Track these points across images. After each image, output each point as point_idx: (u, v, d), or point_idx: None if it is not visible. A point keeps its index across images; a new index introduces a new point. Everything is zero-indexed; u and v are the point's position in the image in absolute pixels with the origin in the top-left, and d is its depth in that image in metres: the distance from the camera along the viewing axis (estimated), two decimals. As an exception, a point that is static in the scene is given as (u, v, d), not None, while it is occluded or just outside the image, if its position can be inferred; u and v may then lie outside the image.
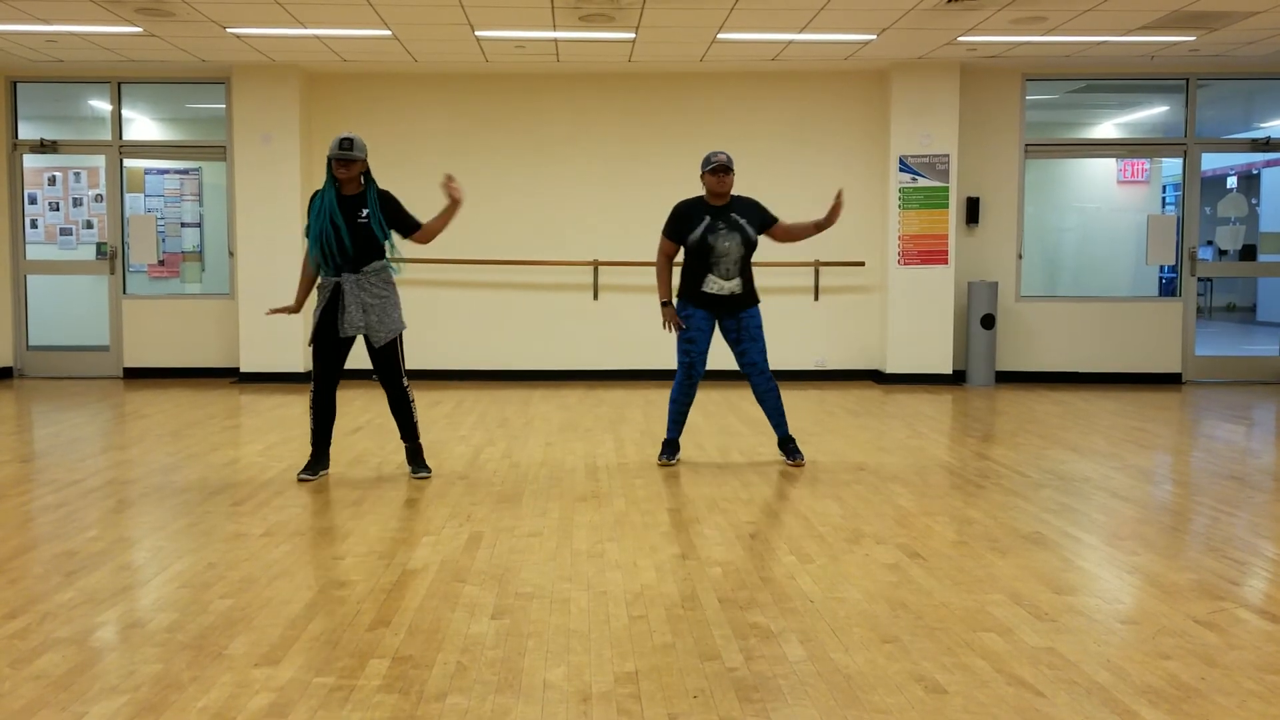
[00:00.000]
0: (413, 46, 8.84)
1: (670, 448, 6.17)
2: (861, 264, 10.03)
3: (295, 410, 8.22)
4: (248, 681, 3.02)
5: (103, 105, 10.31)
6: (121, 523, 4.81)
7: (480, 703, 2.88)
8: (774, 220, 6.00)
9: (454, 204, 5.55)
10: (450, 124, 10.09)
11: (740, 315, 5.93)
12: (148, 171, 10.44)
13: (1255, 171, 15.77)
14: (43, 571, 4.06)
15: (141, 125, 10.61)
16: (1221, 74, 9.92)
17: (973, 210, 10.02)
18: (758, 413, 7.98)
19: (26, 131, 10.32)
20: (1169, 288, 10.59)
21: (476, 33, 8.28)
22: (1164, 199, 11.35)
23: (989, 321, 9.88)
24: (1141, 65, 9.72)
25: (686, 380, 6.04)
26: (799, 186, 9.98)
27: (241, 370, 9.94)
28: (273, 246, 9.83)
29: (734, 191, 5.98)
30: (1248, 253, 11.25)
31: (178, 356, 10.26)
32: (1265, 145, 10.21)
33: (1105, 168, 10.67)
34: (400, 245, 5.80)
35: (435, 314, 10.10)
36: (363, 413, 8.09)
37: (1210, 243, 12.61)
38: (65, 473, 5.89)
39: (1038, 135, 10.18)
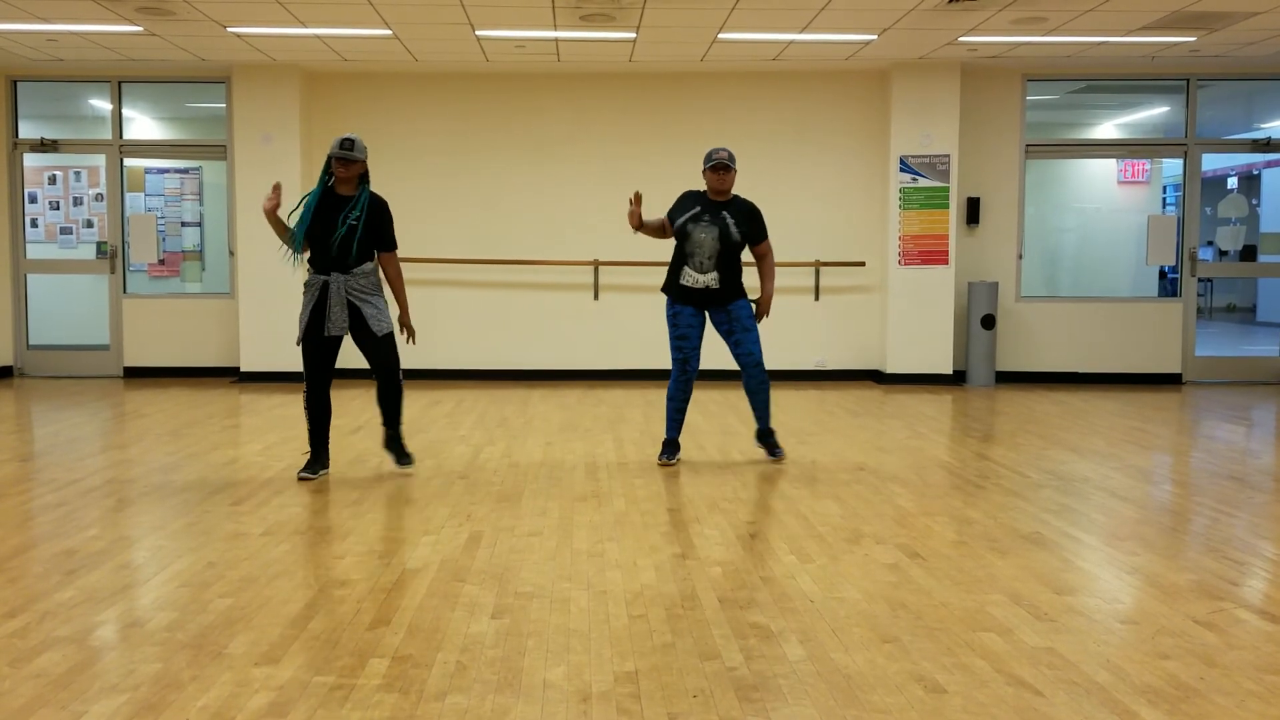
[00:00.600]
0: (413, 46, 8.84)
1: (670, 447, 6.17)
2: (862, 264, 10.03)
3: (295, 410, 8.22)
4: (247, 680, 3.02)
5: (103, 104, 10.32)
6: (121, 522, 4.81)
7: (480, 702, 2.88)
8: (761, 238, 6.00)
9: (404, 315, 5.71)
10: (450, 124, 10.09)
11: (729, 307, 5.94)
12: (148, 171, 10.44)
13: (1256, 172, 15.77)
14: (42, 570, 4.06)
15: (142, 124, 10.62)
16: (1222, 75, 9.92)
17: (973, 210, 10.02)
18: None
19: (27, 130, 10.33)
20: (1169, 288, 10.58)
21: (477, 32, 8.28)
22: (1164, 199, 11.35)
23: (989, 322, 9.88)
24: (1142, 66, 9.72)
25: (681, 377, 6.05)
26: (799, 186, 9.98)
27: (241, 370, 9.94)
28: (273, 246, 9.80)
29: (739, 193, 5.99)
30: (1248, 253, 11.26)
31: (178, 356, 10.26)
32: (1266, 146, 10.21)
33: (1106, 168, 10.67)
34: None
35: (435, 314, 10.10)
36: (363, 412, 8.09)
37: (1211, 243, 12.61)
38: (65, 472, 5.89)
39: (1038, 135, 10.18)
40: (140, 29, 8.23)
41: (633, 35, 8.39)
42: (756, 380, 6.05)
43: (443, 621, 3.51)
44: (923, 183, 9.73)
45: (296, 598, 3.75)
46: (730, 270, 5.93)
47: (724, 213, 5.89)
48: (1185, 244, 10.08)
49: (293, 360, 9.87)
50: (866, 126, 10.07)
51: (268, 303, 9.86)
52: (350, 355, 10.21)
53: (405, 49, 8.95)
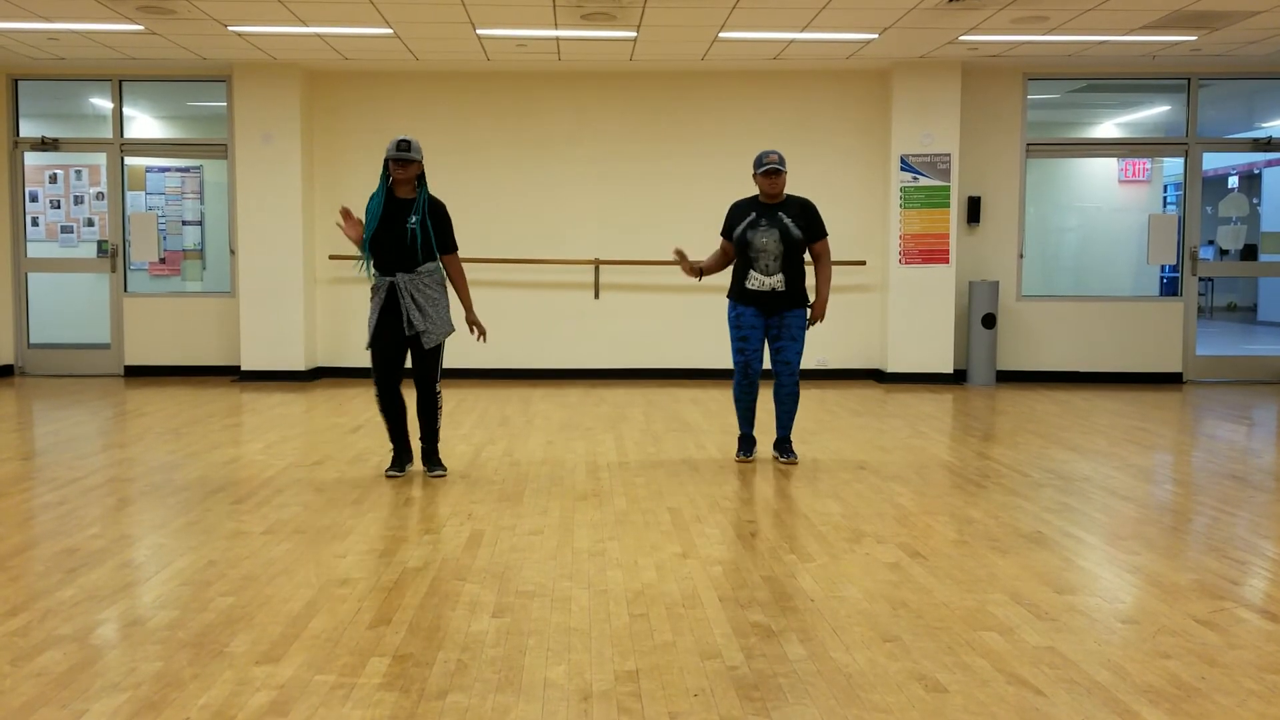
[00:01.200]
0: (414, 45, 8.84)
1: (746, 443, 6.22)
2: (862, 263, 10.03)
3: (296, 409, 8.22)
4: (248, 679, 3.02)
5: (104, 103, 10.32)
6: (122, 520, 4.81)
7: (481, 701, 2.88)
8: (820, 235, 5.98)
9: (469, 317, 5.75)
10: (451, 123, 10.09)
11: (785, 314, 5.95)
12: (149, 169, 10.44)
13: (1256, 171, 15.76)
14: (44, 569, 4.06)
15: (143, 123, 10.62)
16: (1223, 74, 9.91)
17: (974, 209, 10.02)
18: (757, 413, 7.98)
19: (28, 129, 10.33)
20: (1170, 287, 10.58)
21: (478, 31, 8.28)
22: (1165, 199, 11.35)
23: (990, 321, 9.87)
24: (1143, 65, 9.72)
25: (744, 379, 6.08)
26: (800, 186, 9.97)
27: (242, 368, 9.94)
28: (274, 244, 9.83)
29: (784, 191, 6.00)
30: (1249, 252, 11.25)
31: (179, 354, 10.26)
32: (1266, 145, 10.21)
33: (1106, 167, 10.67)
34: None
35: (436, 312, 10.09)
36: (363, 411, 8.09)
37: (1211, 242, 12.61)
38: (66, 470, 5.89)
39: (1039, 135, 10.18)
40: (141, 28, 8.23)
41: (633, 34, 8.38)
42: (787, 390, 6.07)
43: (443, 620, 3.51)
44: (923, 182, 9.73)
45: (297, 596, 3.75)
46: (795, 271, 5.94)
47: (780, 214, 5.91)
48: (1186, 243, 10.08)
49: (293, 359, 9.88)
50: (867, 125, 10.06)
51: (268, 302, 9.86)
52: (352, 357, 10.21)
53: (406, 48, 8.95)
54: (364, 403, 8.53)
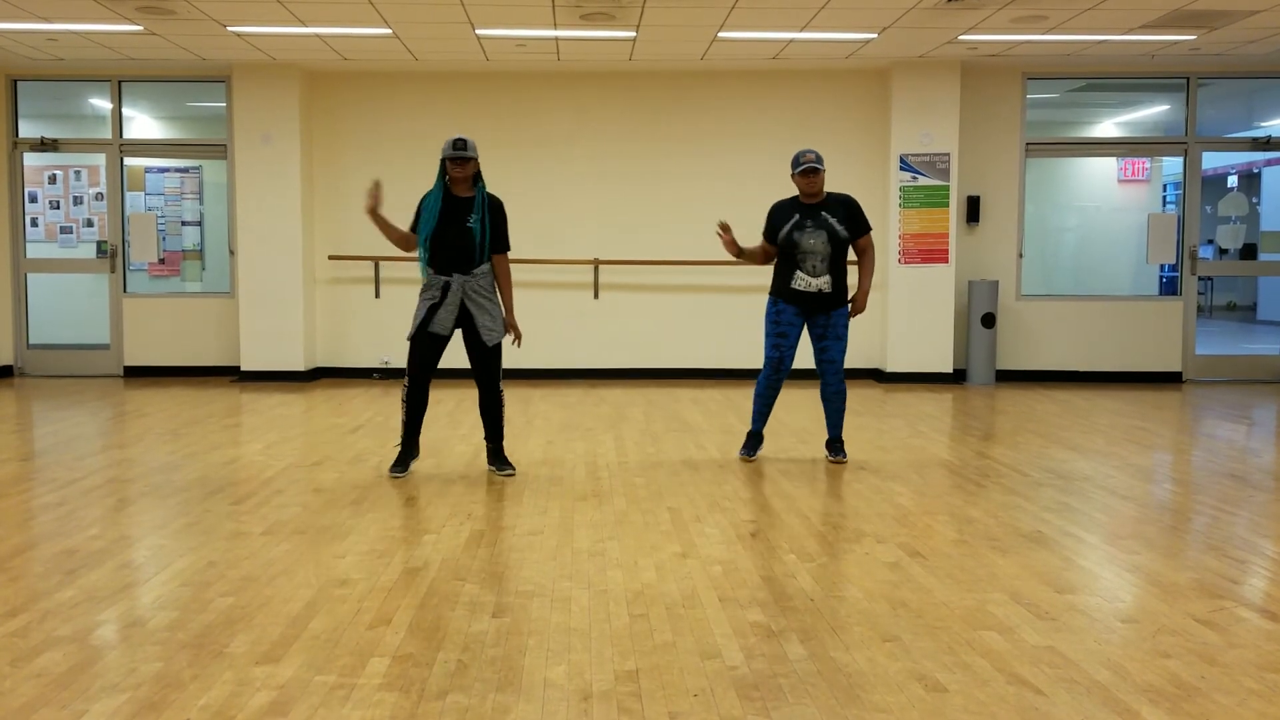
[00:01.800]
0: (413, 45, 8.84)
1: (753, 441, 6.23)
2: (862, 263, 10.02)
3: (295, 409, 8.22)
4: (248, 680, 3.02)
5: (103, 103, 10.31)
6: (122, 521, 4.81)
7: (481, 701, 2.88)
8: (865, 230, 5.98)
9: (509, 320, 5.74)
10: (451, 123, 10.09)
11: (830, 313, 5.95)
12: (148, 170, 10.44)
13: (1256, 170, 15.77)
14: (43, 570, 4.06)
15: (142, 124, 10.61)
16: (1222, 73, 9.92)
17: (973, 209, 10.02)
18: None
19: (27, 130, 10.32)
20: (1169, 287, 10.59)
21: (477, 31, 8.28)
22: (1164, 198, 11.35)
23: (989, 320, 9.87)
24: (1142, 64, 9.72)
25: (774, 375, 6.07)
26: (799, 185, 9.97)
27: (242, 369, 9.94)
28: (273, 245, 9.83)
29: (827, 189, 6.00)
30: (1248, 251, 11.25)
31: (178, 355, 10.26)
32: (1266, 144, 10.21)
33: (1106, 167, 10.67)
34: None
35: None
36: (362, 412, 8.09)
37: (1211, 241, 12.61)
38: (65, 471, 5.89)
39: (1038, 134, 10.18)
40: (140, 28, 8.22)
41: (633, 34, 8.38)
42: (834, 388, 6.06)
43: (443, 620, 3.51)
44: (923, 181, 9.73)
45: (297, 597, 3.75)
46: (840, 270, 5.95)
47: (823, 213, 5.91)
48: (1185, 242, 10.08)
49: (293, 359, 9.88)
50: (866, 125, 10.06)
51: (268, 302, 9.86)
52: (352, 357, 10.21)
53: (405, 48, 8.95)
54: (364, 403, 8.53)
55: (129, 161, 10.34)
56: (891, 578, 3.99)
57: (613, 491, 5.43)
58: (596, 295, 10.18)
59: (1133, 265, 10.62)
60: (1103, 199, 10.79)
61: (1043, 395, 9.16)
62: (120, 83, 10.15)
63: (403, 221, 6.42)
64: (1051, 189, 10.67)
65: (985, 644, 3.31)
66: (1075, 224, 10.85)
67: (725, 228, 5.95)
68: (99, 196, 10.34)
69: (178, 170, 10.46)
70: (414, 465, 6.01)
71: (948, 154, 9.72)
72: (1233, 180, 15.86)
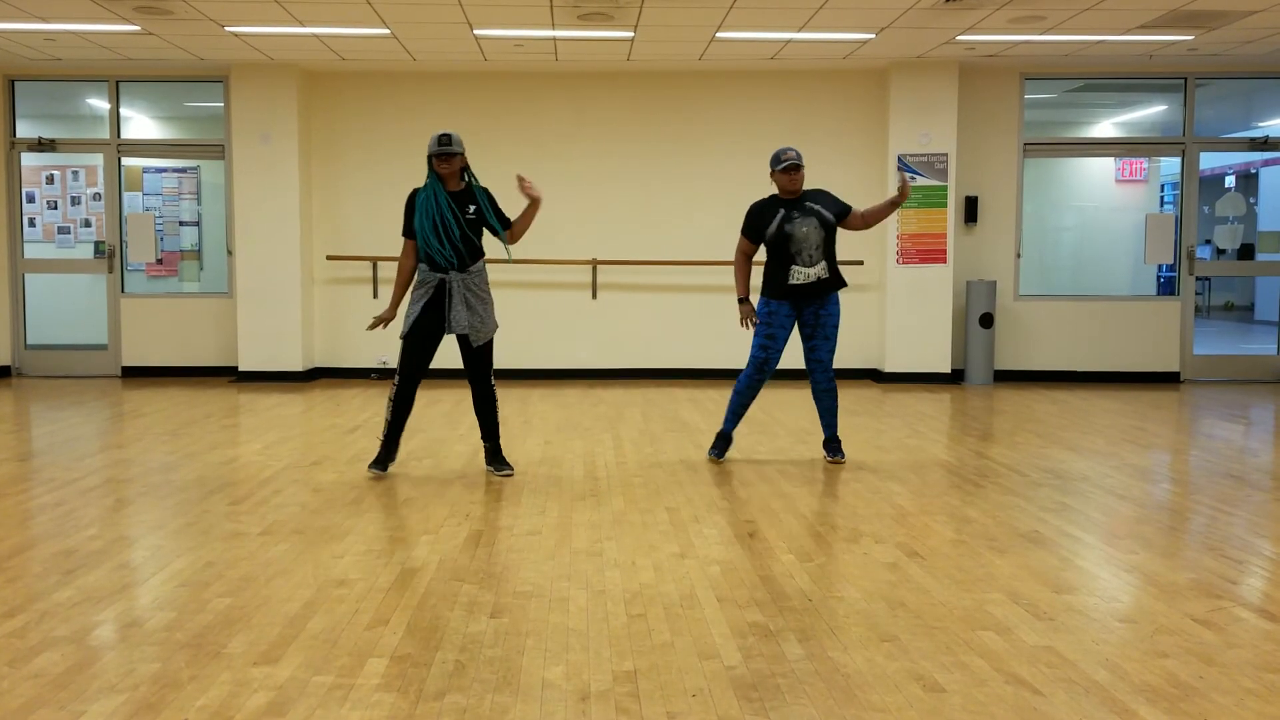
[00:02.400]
0: (411, 45, 8.84)
1: (722, 442, 6.22)
2: (860, 263, 10.03)
3: (293, 409, 8.22)
4: (246, 680, 3.02)
5: (101, 104, 10.31)
6: (120, 521, 4.81)
7: (479, 701, 2.88)
8: (848, 207, 5.99)
9: (534, 203, 5.63)
10: (449, 122, 10.08)
11: (821, 311, 5.94)
12: (146, 170, 10.43)
13: (1253, 170, 15.78)
14: (41, 570, 4.06)
15: (140, 124, 10.61)
16: (1219, 73, 9.92)
17: (971, 209, 10.03)
18: (756, 412, 7.98)
19: (25, 130, 10.32)
20: (1167, 287, 10.59)
21: (475, 31, 8.28)
22: (1162, 198, 11.36)
23: (987, 320, 9.88)
24: (1140, 64, 9.73)
25: (757, 375, 6.06)
26: (798, 185, 9.97)
27: (240, 369, 9.94)
28: (271, 245, 9.83)
29: (807, 187, 5.99)
30: (1246, 252, 11.25)
31: (176, 355, 10.25)
32: (1263, 144, 10.22)
33: (1104, 167, 10.67)
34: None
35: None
36: (361, 412, 8.09)
37: (1208, 242, 12.62)
38: (63, 471, 5.89)
39: (1036, 134, 10.18)
40: (138, 28, 8.22)
41: (631, 34, 8.38)
42: (823, 385, 6.06)
43: (441, 621, 3.51)
44: (921, 181, 9.73)
45: (295, 597, 3.75)
46: (833, 258, 5.97)
47: (808, 204, 5.93)
48: (1183, 242, 10.09)
49: (291, 359, 9.87)
50: (865, 125, 10.07)
51: (266, 302, 9.85)
52: (353, 357, 10.21)
53: (403, 48, 8.95)
54: (361, 403, 8.52)
55: (127, 161, 10.34)
56: (889, 578, 3.99)
57: (611, 492, 5.43)
58: (595, 295, 10.18)
59: (1130, 265, 10.62)
60: (1100, 199, 10.80)
61: (1041, 395, 9.16)
62: (118, 83, 10.14)
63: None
64: (1049, 189, 10.68)
65: (983, 644, 3.31)
66: (1073, 224, 10.86)
67: (748, 309, 5.95)
68: (97, 197, 10.33)
69: (175, 170, 10.45)
70: (411, 465, 6.00)
71: (946, 154, 9.72)
72: (1230, 180, 15.87)
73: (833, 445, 6.18)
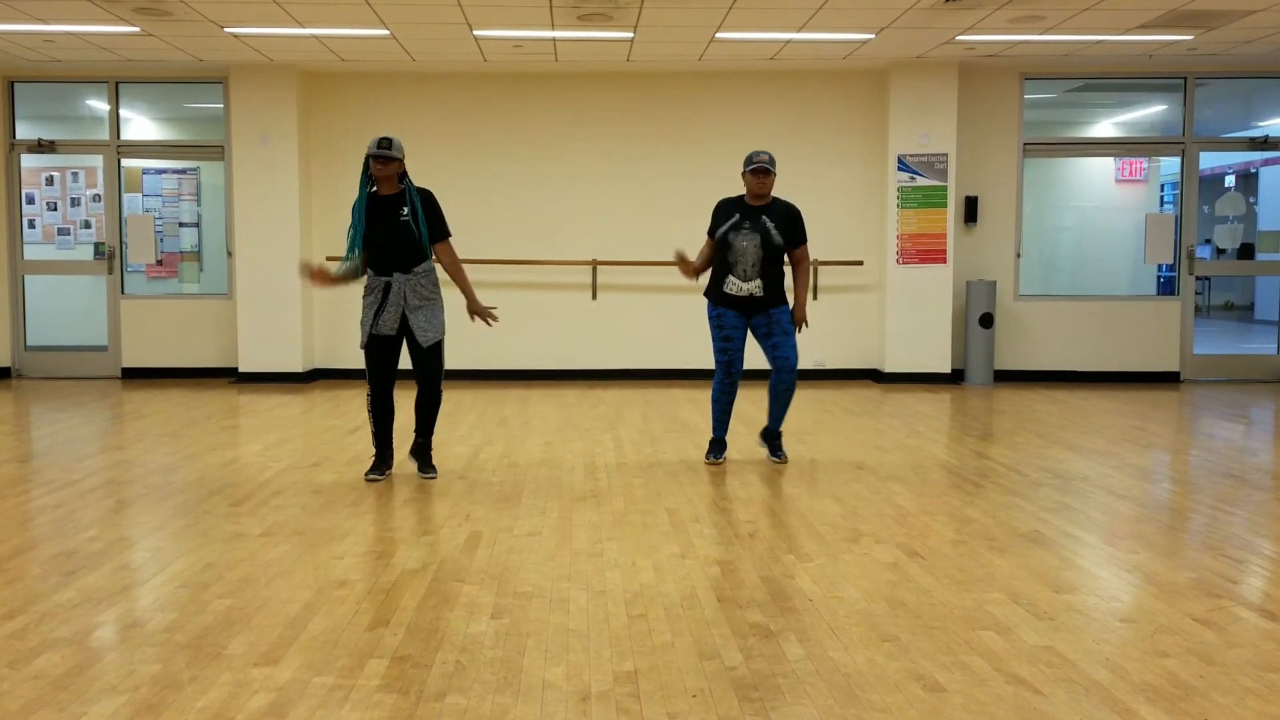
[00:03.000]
0: (411, 46, 8.84)
1: (717, 446, 6.21)
2: (860, 263, 10.03)
3: (293, 410, 8.22)
4: (247, 681, 3.01)
5: (100, 105, 10.31)
6: (120, 523, 4.81)
7: (479, 702, 2.88)
8: (800, 241, 5.92)
9: (470, 301, 5.66)
10: (448, 123, 10.09)
11: (769, 311, 5.92)
12: (145, 171, 10.43)
13: (1253, 170, 15.78)
14: (41, 571, 4.06)
15: (139, 125, 10.61)
16: (1219, 73, 9.92)
17: (971, 209, 10.02)
18: (756, 412, 7.98)
19: (24, 131, 10.31)
20: (1167, 286, 10.59)
21: (475, 32, 8.28)
22: (1162, 198, 11.36)
23: (987, 321, 9.88)
24: (1139, 64, 9.73)
25: (726, 379, 6.06)
26: (797, 186, 9.96)
27: (240, 370, 9.94)
28: (271, 246, 9.82)
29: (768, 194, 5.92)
30: (1246, 251, 11.26)
31: (176, 356, 10.25)
32: (1263, 144, 10.22)
33: (1103, 167, 10.67)
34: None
35: (434, 313, 10.08)
36: (360, 412, 8.09)
37: (1208, 241, 12.61)
38: (63, 473, 5.89)
39: (1036, 134, 10.18)
40: (137, 29, 8.22)
41: (630, 35, 8.38)
42: (785, 385, 6.02)
43: (442, 622, 3.51)
44: (921, 182, 9.73)
45: (295, 598, 3.75)
46: (773, 276, 5.90)
47: (763, 217, 5.88)
48: (1183, 242, 10.09)
49: (291, 360, 9.87)
50: (864, 125, 10.07)
51: (265, 303, 9.85)
52: (353, 358, 10.21)
53: (403, 49, 8.95)
54: (361, 404, 8.52)
55: (126, 163, 10.34)
56: (890, 578, 3.99)
57: (611, 492, 5.43)
58: (594, 296, 10.18)
59: (1130, 265, 10.62)
60: (1100, 199, 10.80)
61: (1041, 395, 9.16)
62: (117, 84, 10.14)
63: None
64: (1049, 189, 10.68)
65: (983, 644, 3.31)
66: (1073, 224, 10.86)
67: (681, 257, 5.91)
68: (96, 198, 10.33)
69: (175, 171, 10.45)
70: (410, 465, 6.00)
71: (945, 154, 9.72)
72: (1230, 180, 15.87)
73: (774, 440, 6.17)
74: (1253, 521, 4.84)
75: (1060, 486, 5.56)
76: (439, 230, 5.61)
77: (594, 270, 10.13)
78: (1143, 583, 3.93)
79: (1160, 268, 10.65)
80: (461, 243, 9.93)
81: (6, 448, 6.68)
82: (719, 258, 5.95)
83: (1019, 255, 10.14)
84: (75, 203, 10.37)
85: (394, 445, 6.03)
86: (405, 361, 5.97)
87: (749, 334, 6.06)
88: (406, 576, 4.01)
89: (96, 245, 10.35)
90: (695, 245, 10.04)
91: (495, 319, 5.70)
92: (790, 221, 5.91)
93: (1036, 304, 10.14)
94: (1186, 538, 4.56)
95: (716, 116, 10.09)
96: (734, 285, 5.88)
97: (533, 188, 10.13)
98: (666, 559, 4.23)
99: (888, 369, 9.88)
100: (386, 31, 8.27)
